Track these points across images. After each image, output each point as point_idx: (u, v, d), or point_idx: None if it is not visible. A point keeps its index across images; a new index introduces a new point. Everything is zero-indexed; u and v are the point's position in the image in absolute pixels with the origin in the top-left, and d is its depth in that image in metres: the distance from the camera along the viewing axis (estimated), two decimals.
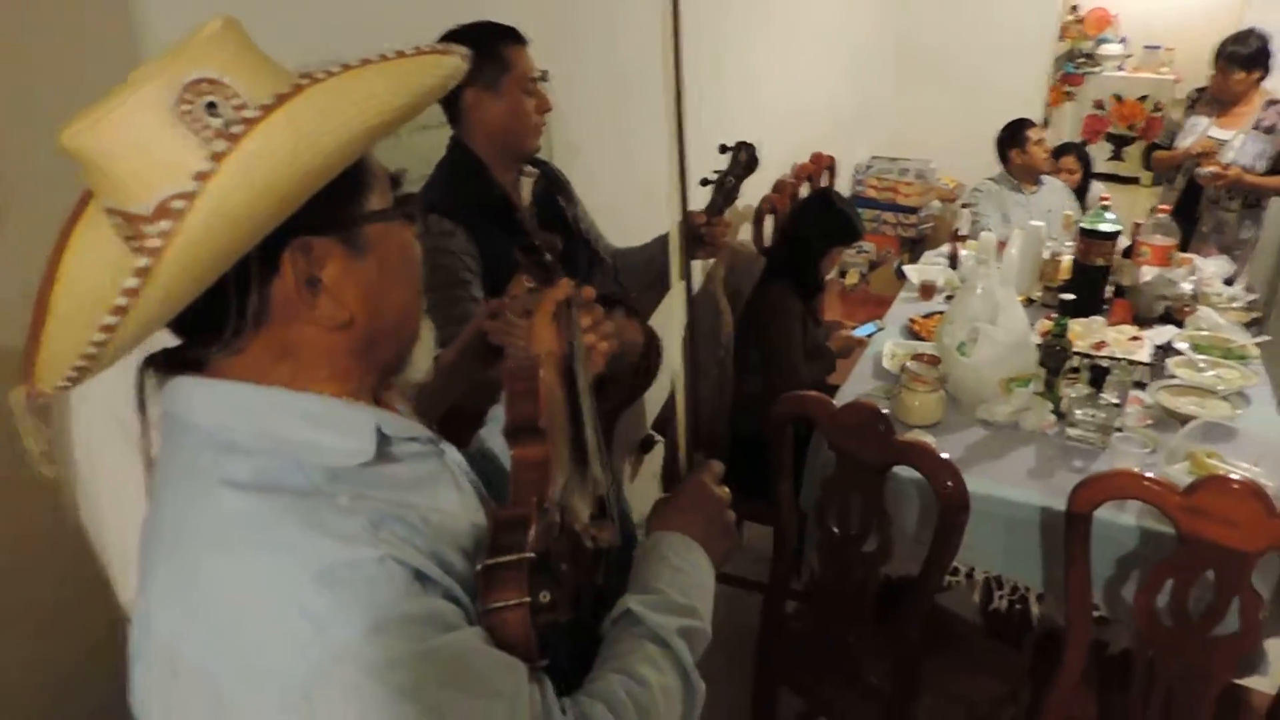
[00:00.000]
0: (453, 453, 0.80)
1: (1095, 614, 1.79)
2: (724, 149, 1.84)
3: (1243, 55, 3.42)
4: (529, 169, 1.84)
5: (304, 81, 0.61)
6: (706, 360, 2.43)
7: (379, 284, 0.71)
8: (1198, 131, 3.59)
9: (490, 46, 1.65)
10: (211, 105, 0.60)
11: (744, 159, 1.83)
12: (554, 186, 1.90)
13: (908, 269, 3.17)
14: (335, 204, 0.65)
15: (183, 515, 0.65)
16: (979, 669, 1.99)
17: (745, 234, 3.52)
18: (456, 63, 0.69)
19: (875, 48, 4.60)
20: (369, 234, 0.69)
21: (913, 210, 4.47)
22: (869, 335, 2.63)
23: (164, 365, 0.70)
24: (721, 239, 1.82)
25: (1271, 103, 3.48)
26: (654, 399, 2.89)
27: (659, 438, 2.75)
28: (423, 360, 0.79)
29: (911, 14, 4.73)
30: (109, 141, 0.59)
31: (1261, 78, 3.47)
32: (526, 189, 1.85)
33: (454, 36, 1.68)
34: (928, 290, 2.96)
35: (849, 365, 2.56)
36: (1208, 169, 3.46)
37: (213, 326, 0.66)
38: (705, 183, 1.83)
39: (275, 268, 0.64)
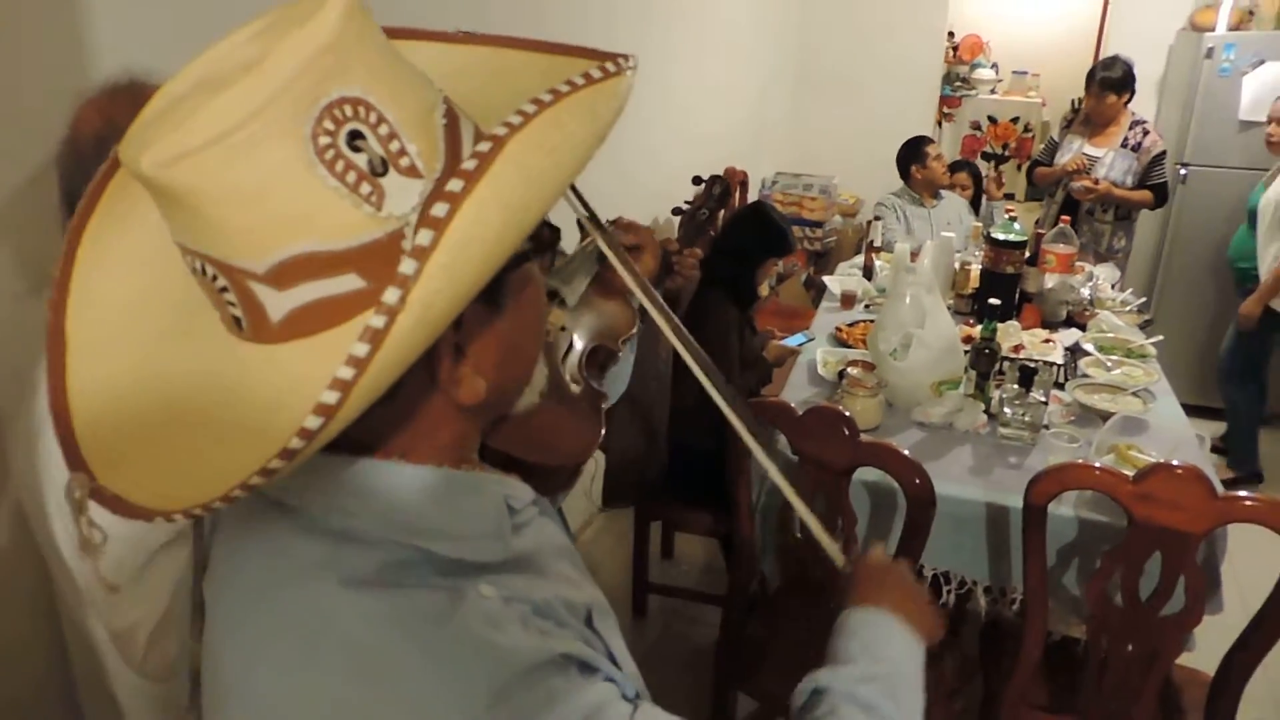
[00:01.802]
0: (546, 503, 0.71)
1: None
2: (697, 180, 1.86)
3: (1113, 80, 3.70)
4: None
5: (501, 131, 0.47)
6: (647, 373, 2.42)
7: (516, 341, 0.60)
8: (1074, 149, 3.85)
9: None
10: (354, 136, 0.46)
11: (717, 192, 1.85)
12: None
13: (828, 280, 3.27)
14: None
15: (296, 620, 0.53)
16: (929, 662, 2.05)
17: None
18: (631, 81, 0.55)
19: (780, 69, 4.73)
20: (509, 282, 0.57)
21: (818, 224, 4.61)
22: (800, 344, 2.68)
23: None
24: (691, 270, 1.84)
25: (1136, 122, 3.77)
26: None
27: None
28: (530, 397, 0.68)
29: (812, 39, 4.90)
30: (224, 183, 0.45)
31: (1128, 100, 3.76)
32: None
33: None
34: (848, 300, 3.05)
35: (783, 374, 2.61)
36: (1080, 183, 3.72)
37: None
38: (677, 212, 1.85)
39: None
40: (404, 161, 0.48)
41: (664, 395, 2.49)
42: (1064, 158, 3.88)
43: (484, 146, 0.46)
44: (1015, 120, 6.86)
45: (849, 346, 2.67)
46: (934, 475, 1.98)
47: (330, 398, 0.44)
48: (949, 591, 1.99)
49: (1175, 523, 1.48)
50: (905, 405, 2.26)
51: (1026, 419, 2.12)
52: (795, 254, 4.59)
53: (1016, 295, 2.85)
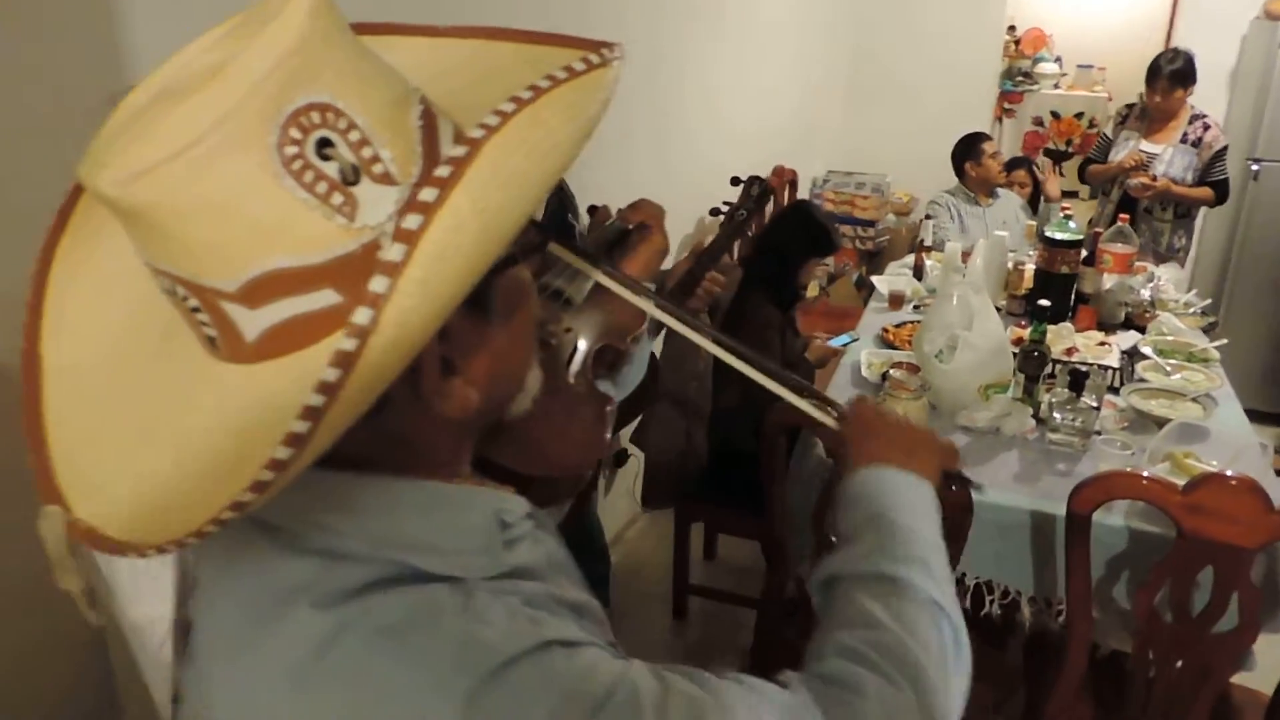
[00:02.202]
0: (543, 516, 0.69)
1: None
2: (735, 181, 1.84)
3: (1181, 73, 3.56)
4: None
5: (477, 134, 0.45)
6: (685, 373, 2.41)
7: (507, 347, 0.58)
8: (1129, 146, 3.71)
9: None
10: (323, 144, 0.44)
11: (755, 193, 1.82)
12: (565, 201, 1.88)
13: (876, 280, 3.21)
14: None
15: (283, 646, 0.52)
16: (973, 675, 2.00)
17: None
18: (618, 73, 0.52)
19: (831, 65, 4.65)
20: (497, 287, 0.55)
21: (870, 224, 4.54)
22: (844, 345, 2.64)
23: None
24: (712, 291, 1.82)
25: (1196, 117, 3.62)
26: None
27: (635, 450, 2.72)
28: (524, 404, 0.66)
29: (865, 33, 4.80)
30: (186, 199, 0.43)
31: (1189, 93, 3.62)
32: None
33: None
34: (896, 300, 2.99)
35: (826, 375, 2.57)
36: (1137, 180, 3.58)
37: None
38: (715, 213, 1.83)
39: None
40: (377, 168, 0.46)
41: (704, 396, 2.48)
42: (1119, 154, 3.74)
43: (459, 151, 0.44)
44: (1079, 116, 6.66)
45: (895, 348, 2.62)
46: (979, 481, 1.94)
47: (300, 427, 0.42)
48: (992, 601, 1.93)
49: (1228, 536, 1.41)
50: (950, 409, 2.21)
51: (1077, 424, 2.05)
52: (841, 254, 4.53)
53: (1072, 296, 2.76)
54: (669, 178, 1.82)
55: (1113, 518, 1.77)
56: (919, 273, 3.24)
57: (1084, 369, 2.07)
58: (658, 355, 1.96)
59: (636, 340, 0.96)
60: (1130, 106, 3.84)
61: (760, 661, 1.98)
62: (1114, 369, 2.38)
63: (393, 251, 0.42)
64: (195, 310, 0.48)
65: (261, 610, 0.53)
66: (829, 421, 0.88)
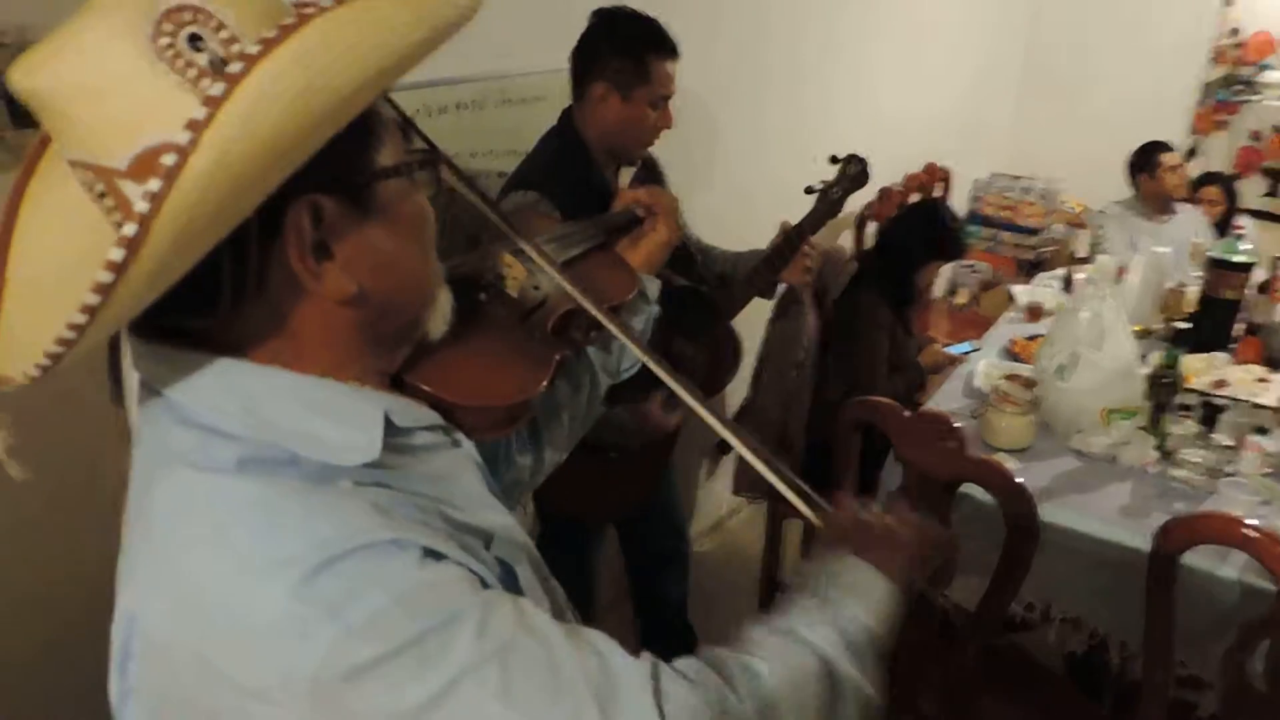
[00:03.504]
0: (469, 446, 0.73)
1: (1184, 672, 1.64)
2: (834, 160, 1.79)
3: None
4: None
5: (309, 10, 0.51)
6: (784, 362, 2.36)
7: (391, 251, 0.62)
8: None
9: (638, 51, 1.63)
10: (195, 39, 0.50)
11: (853, 172, 1.77)
12: (652, 177, 1.88)
13: (1017, 289, 3.01)
14: (343, 159, 0.57)
15: (161, 502, 0.57)
16: (1052, 717, 1.85)
17: (845, 240, 3.41)
18: None
19: (1001, 55, 4.31)
20: (381, 193, 0.60)
21: (1033, 231, 4.25)
22: (964, 353, 2.49)
23: (143, 327, 0.60)
24: (808, 268, 1.76)
25: None
26: (734, 397, 2.83)
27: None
28: (437, 324, 0.70)
29: (1044, 21, 4.43)
30: (73, 80, 0.50)
31: None
32: (626, 178, 1.84)
33: (610, 20, 1.67)
34: (1034, 312, 2.79)
35: (938, 382, 2.44)
36: None
37: (201, 296, 0.56)
38: (810, 190, 1.78)
39: (277, 231, 0.55)
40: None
41: (804, 386, 2.41)
42: None
43: (290, 20, 0.50)
44: None
45: (1019, 361, 2.45)
46: (1080, 509, 1.79)
47: (117, 255, 0.47)
48: (1080, 642, 1.79)
49: None
50: (1064, 430, 2.04)
51: (1206, 462, 1.85)
52: (997, 262, 4.27)
53: (1236, 325, 2.48)
54: (802, 161, 1.76)
55: (1225, 569, 1.59)
56: (1069, 285, 3.01)
57: (1222, 403, 1.86)
58: (737, 334, 1.93)
59: (620, 309, 0.96)
60: None
61: None
62: (1269, 409, 2.12)
63: (214, 88, 0.47)
64: (103, 197, 0.53)
65: (149, 474, 0.59)
66: (810, 516, 0.84)
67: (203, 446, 0.57)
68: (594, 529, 2.01)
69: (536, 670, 0.56)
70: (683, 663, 0.65)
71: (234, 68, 0.48)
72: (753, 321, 2.42)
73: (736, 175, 2.64)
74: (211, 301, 0.56)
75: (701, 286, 1.85)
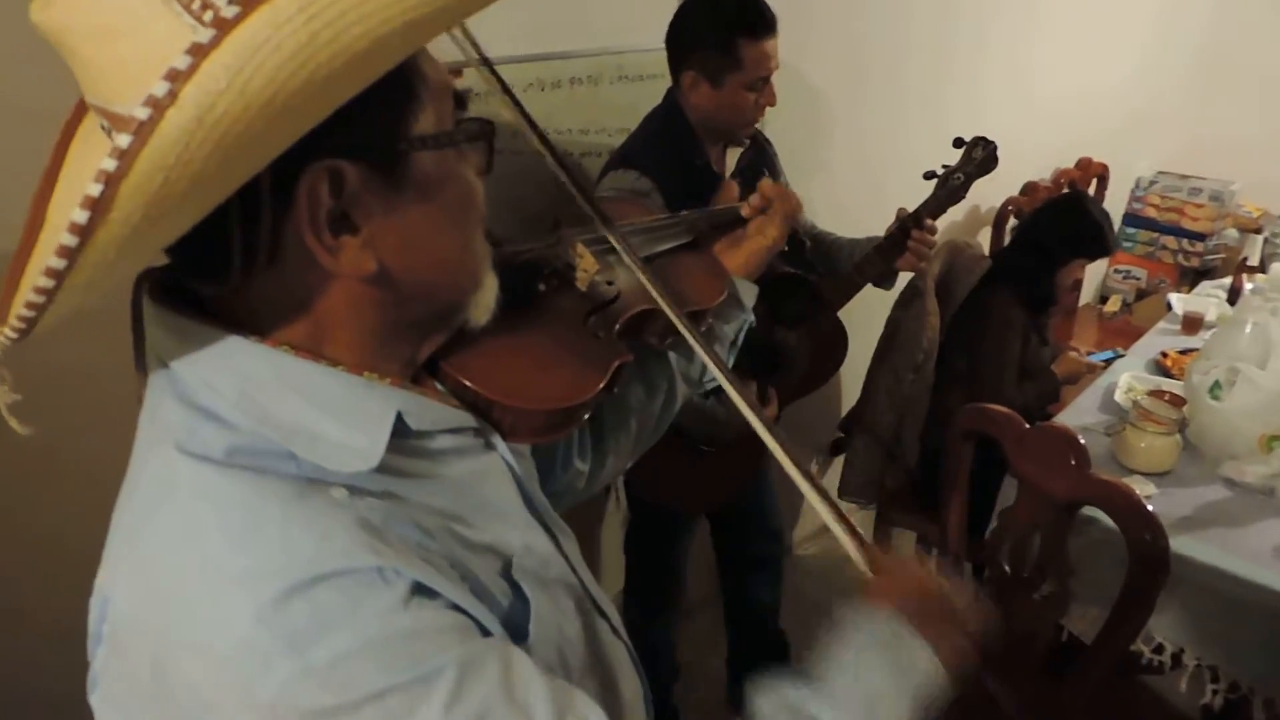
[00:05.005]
0: (504, 449, 0.66)
1: None
2: (959, 143, 1.66)
3: None
4: None
5: None
6: (901, 364, 2.22)
7: (424, 228, 0.56)
8: None
9: (726, 36, 1.54)
10: None
11: (979, 156, 1.63)
12: (761, 158, 1.80)
13: (1174, 298, 2.74)
14: (373, 123, 0.51)
15: (145, 481, 0.53)
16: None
17: (983, 239, 3.19)
18: None
19: (1173, 39, 3.87)
20: (417, 164, 0.54)
21: (1200, 237, 3.87)
22: (1104, 362, 2.28)
23: (160, 287, 0.56)
24: (926, 248, 1.63)
25: None
26: (849, 395, 2.70)
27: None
28: (480, 313, 0.63)
29: (1226, 18, 3.95)
30: (86, 17, 0.46)
31: None
32: (733, 158, 1.77)
33: (693, 10, 1.61)
34: (1192, 324, 2.53)
35: (1074, 393, 2.24)
36: None
37: (210, 262, 0.52)
38: (930, 176, 1.66)
39: (292, 197, 0.50)
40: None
41: (921, 392, 2.26)
42: None
43: None
44: None
45: (1169, 376, 2.22)
46: (1225, 545, 1.60)
47: (94, 190, 0.42)
48: (1215, 692, 1.60)
49: None
50: (1214, 455, 1.83)
51: None
52: (1157, 268, 3.91)
53: None
54: (942, 146, 1.63)
55: None
56: (1235, 296, 2.71)
57: None
58: (841, 329, 1.82)
59: (703, 316, 0.89)
60: None
61: None
62: None
63: (201, 35, 0.42)
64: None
65: (143, 448, 0.55)
66: (856, 558, 0.72)
67: (194, 428, 0.52)
68: (684, 521, 1.95)
69: None
70: None
71: (230, 12, 0.42)
72: (872, 320, 2.29)
73: (866, 158, 2.50)
74: (221, 269, 0.51)
75: (808, 274, 1.76)
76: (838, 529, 0.70)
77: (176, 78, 0.41)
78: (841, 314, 1.82)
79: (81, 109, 0.56)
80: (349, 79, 0.45)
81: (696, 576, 2.16)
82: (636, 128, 1.71)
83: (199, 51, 0.42)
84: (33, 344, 0.50)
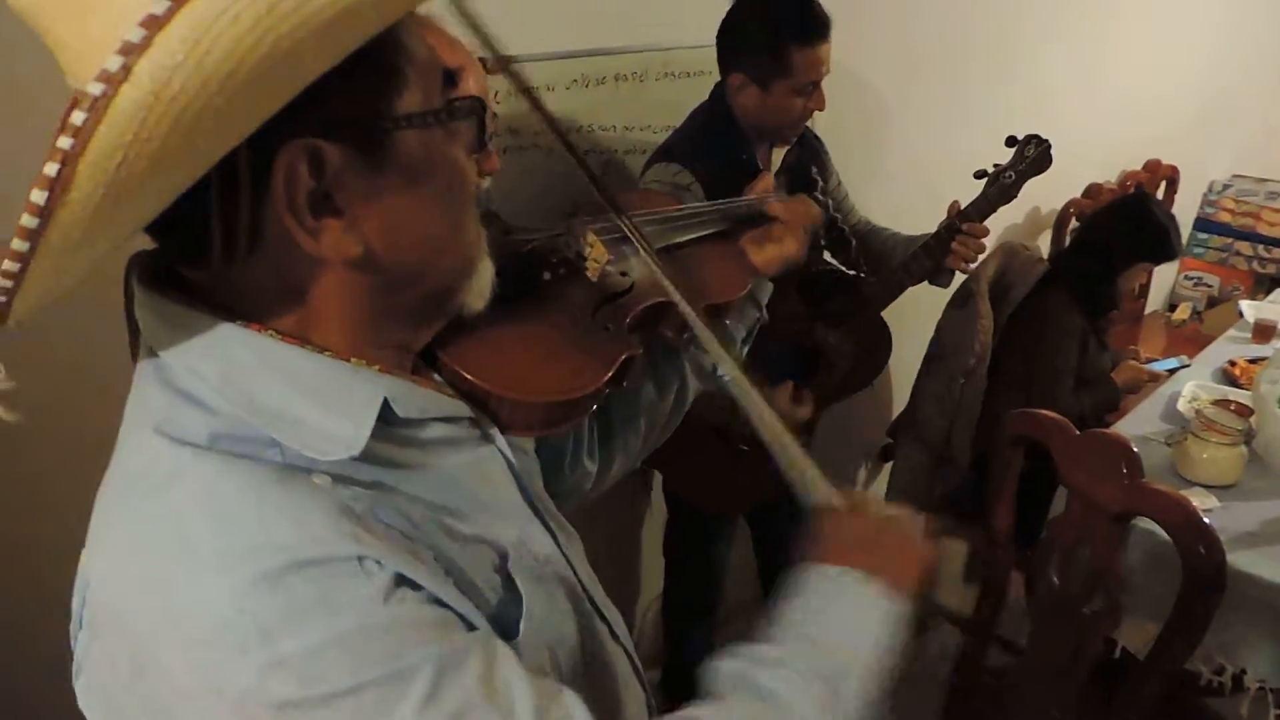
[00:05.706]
0: (501, 442, 0.65)
1: None
2: (1011, 141, 1.61)
3: None
4: None
5: None
6: (954, 367, 2.16)
7: (409, 210, 0.54)
8: None
9: (775, 41, 1.51)
10: None
11: (1032, 155, 1.58)
12: (809, 155, 1.77)
13: (1245, 305, 2.63)
14: (353, 100, 0.49)
15: (127, 465, 0.53)
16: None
17: (1044, 241, 3.10)
18: None
19: (1254, 32, 3.69)
20: (401, 143, 0.52)
21: (1277, 243, 3.71)
22: (1168, 371, 2.19)
23: (150, 273, 0.55)
24: (976, 250, 1.59)
25: None
26: (900, 399, 2.64)
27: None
28: (475, 299, 0.61)
29: None
30: None
31: None
32: (778, 156, 1.74)
33: (746, 4, 1.59)
34: (1264, 332, 2.42)
35: (1136, 403, 2.16)
36: None
37: (190, 244, 0.50)
38: (980, 175, 1.61)
39: (270, 176, 0.48)
40: None
41: (974, 396, 2.20)
42: None
43: None
44: None
45: (1238, 386, 2.13)
46: None
47: (50, 169, 0.40)
48: (1278, 717, 1.52)
49: None
50: None
51: None
52: (1231, 275, 3.76)
53: None
54: (1003, 143, 1.57)
55: None
56: None
57: None
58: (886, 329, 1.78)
59: (721, 310, 0.87)
60: None
61: (955, 694, 1.75)
62: None
63: (157, 7, 0.40)
64: None
65: (124, 433, 0.55)
66: (815, 489, 0.75)
67: (175, 414, 0.51)
68: (722, 522, 1.92)
69: None
70: None
71: None
72: (923, 323, 2.24)
73: (923, 158, 2.44)
74: (203, 251, 0.50)
75: (852, 272, 1.72)
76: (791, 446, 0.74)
77: (131, 51, 0.40)
78: (891, 316, 1.78)
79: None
80: (316, 53, 0.44)
81: (739, 580, 2.14)
82: (682, 123, 1.70)
83: (154, 24, 0.40)
84: (33, 334, 0.51)
